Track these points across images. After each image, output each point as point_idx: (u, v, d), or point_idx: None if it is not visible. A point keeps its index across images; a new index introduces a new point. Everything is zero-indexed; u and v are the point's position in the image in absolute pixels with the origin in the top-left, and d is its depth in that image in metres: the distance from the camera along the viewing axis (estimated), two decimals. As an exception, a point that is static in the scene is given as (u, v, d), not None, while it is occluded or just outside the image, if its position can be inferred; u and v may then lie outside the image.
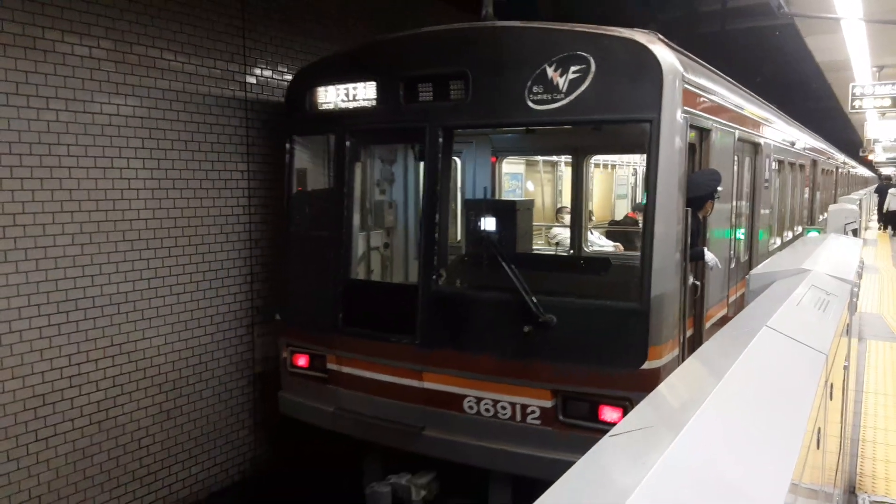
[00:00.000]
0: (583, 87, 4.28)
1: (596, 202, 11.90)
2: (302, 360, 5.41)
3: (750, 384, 1.57)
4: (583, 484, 1.04)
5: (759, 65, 21.80)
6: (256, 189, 6.12)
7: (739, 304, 5.90)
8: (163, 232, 5.35)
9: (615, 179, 13.42)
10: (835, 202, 15.34)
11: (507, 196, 9.07)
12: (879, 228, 22.57)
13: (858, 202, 12.17)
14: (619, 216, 11.00)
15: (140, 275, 5.20)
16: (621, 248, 8.29)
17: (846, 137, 34.17)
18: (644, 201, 4.78)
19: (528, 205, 5.83)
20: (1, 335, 4.37)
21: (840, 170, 20.24)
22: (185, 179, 5.50)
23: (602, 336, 4.30)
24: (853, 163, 30.63)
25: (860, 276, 4.28)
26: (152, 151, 5.24)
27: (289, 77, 6.40)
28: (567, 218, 9.15)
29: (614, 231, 9.18)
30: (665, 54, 4.26)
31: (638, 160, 11.28)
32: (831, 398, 2.28)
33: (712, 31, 15.41)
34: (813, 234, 8.82)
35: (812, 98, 25.59)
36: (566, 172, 10.70)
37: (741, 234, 6.75)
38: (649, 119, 4.21)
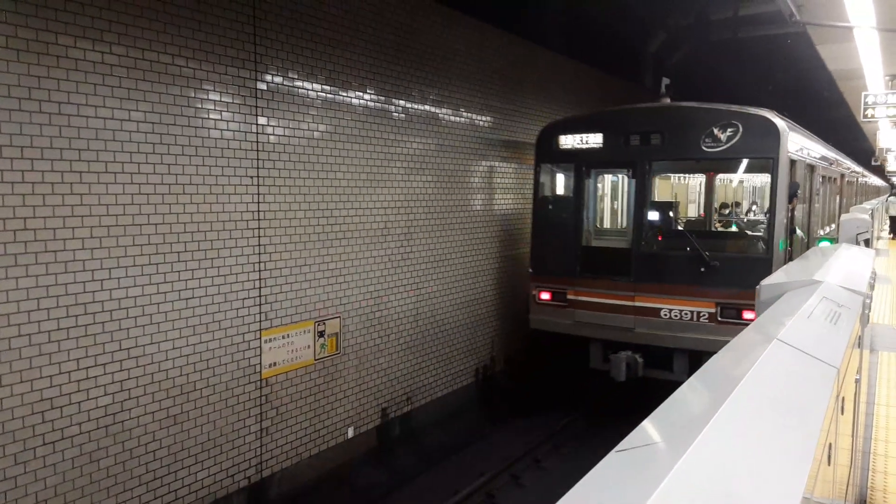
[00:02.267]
0: (735, 140, 7.68)
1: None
2: (545, 296, 8.96)
3: (760, 399, 1.55)
4: (590, 500, 1.03)
5: (772, 73, 21.71)
6: (266, 195, 6.14)
7: None
8: (172, 237, 5.36)
9: (688, 190, 16.95)
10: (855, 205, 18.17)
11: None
12: (890, 237, 22.42)
13: (870, 212, 12.13)
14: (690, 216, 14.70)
15: (149, 279, 5.22)
16: None
17: (858, 146, 33.90)
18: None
19: (677, 203, 9.76)
20: (10, 339, 4.39)
21: (858, 180, 24.27)
22: (195, 185, 5.52)
23: (744, 273, 7.46)
24: (866, 172, 30.76)
25: (872, 287, 4.23)
26: (163, 157, 5.26)
27: (299, 83, 6.44)
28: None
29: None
30: (780, 122, 7.75)
31: (703, 178, 14.67)
32: (842, 412, 2.25)
33: (724, 39, 15.34)
34: (825, 244, 8.79)
35: (824, 106, 25.47)
36: (659, 183, 14.14)
37: (805, 223, 10.18)
38: (772, 157, 7.66)
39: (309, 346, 6.73)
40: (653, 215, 8.61)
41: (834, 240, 9.99)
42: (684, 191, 15.36)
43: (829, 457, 1.78)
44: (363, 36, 7.21)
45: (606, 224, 11.40)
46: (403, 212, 7.97)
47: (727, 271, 7.66)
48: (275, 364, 6.35)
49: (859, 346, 3.24)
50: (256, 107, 6.03)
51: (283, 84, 6.29)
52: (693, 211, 15.58)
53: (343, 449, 7.25)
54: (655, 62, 16.35)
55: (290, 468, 6.60)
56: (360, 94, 7.22)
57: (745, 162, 8.51)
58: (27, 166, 4.43)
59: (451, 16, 8.72)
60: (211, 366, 5.75)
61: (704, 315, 7.72)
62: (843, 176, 16.43)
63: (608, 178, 11.18)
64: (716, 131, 7.74)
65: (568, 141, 8.89)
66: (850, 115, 20.07)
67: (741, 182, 15.93)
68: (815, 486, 1.42)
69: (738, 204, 14.01)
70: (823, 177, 12.08)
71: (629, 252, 8.43)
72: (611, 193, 11.54)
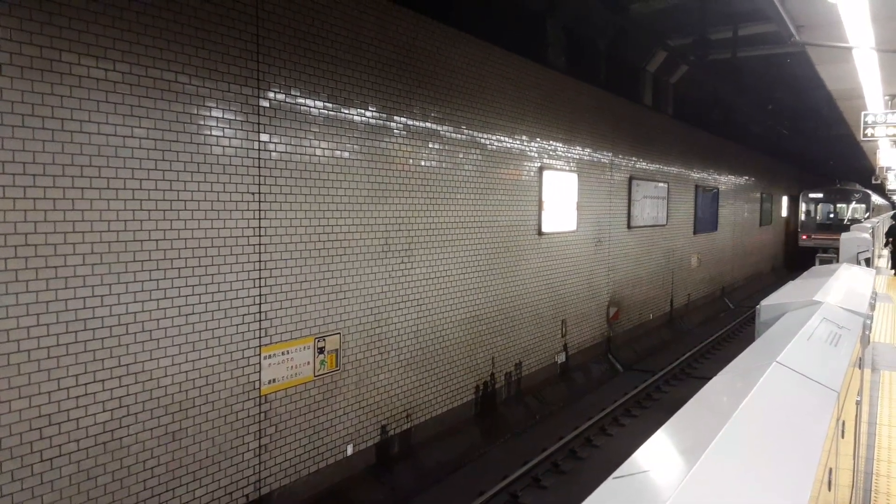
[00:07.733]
0: (860, 196, 32.16)
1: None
2: (805, 237, 32.17)
3: (759, 424, 1.54)
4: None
5: (771, 91, 21.79)
6: (267, 211, 6.15)
7: None
8: (173, 253, 5.37)
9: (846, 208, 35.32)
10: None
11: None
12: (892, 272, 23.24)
13: (871, 230, 12.19)
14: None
15: (149, 295, 5.22)
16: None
17: (859, 164, 34.35)
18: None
19: (846, 213, 34.83)
20: (9, 354, 4.39)
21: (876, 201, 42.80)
22: (197, 201, 5.54)
23: None
24: (872, 194, 36.91)
25: (873, 307, 4.22)
26: (164, 173, 5.28)
27: (301, 101, 6.48)
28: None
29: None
30: (869, 191, 33.78)
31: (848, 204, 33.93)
32: (843, 436, 2.23)
33: (723, 59, 15.41)
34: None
35: (823, 125, 25.58)
36: (840, 207, 32.68)
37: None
38: (868, 201, 32.35)
39: (308, 363, 6.72)
40: (839, 215, 30.97)
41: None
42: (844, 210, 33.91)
43: (830, 482, 1.77)
44: (366, 54, 7.26)
45: (819, 217, 30.79)
46: (404, 228, 7.98)
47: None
48: (274, 380, 6.33)
49: (860, 368, 3.22)
50: (259, 124, 6.06)
51: (285, 101, 6.32)
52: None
53: (342, 466, 7.21)
54: (655, 81, 16.44)
55: (289, 486, 6.56)
56: (362, 111, 7.26)
57: (862, 201, 31.20)
58: (29, 182, 4.45)
59: (455, 35, 8.79)
60: (210, 382, 5.74)
61: None
62: (876, 203, 36.69)
63: (822, 206, 31.02)
64: (855, 193, 31.70)
65: (810, 194, 31.78)
66: (850, 134, 20.15)
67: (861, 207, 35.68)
68: (816, 512, 1.41)
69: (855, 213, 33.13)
70: (876, 205, 33.30)
71: (831, 224, 30.07)
72: (820, 210, 31.18)
